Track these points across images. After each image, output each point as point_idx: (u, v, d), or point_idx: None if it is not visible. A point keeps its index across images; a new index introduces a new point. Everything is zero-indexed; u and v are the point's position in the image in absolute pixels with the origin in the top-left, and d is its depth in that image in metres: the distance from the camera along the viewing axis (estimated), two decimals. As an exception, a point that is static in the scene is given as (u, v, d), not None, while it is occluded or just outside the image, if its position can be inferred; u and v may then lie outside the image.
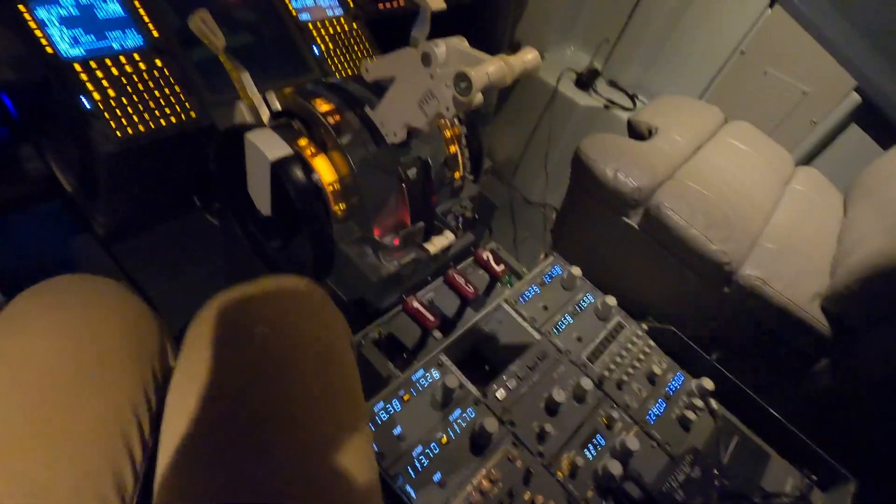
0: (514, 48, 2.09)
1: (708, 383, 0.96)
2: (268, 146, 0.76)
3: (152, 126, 0.92)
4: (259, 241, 0.95)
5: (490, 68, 0.62)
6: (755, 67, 1.72)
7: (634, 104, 1.98)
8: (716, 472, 0.82)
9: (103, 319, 0.49)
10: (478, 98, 0.64)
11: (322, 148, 0.83)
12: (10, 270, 1.06)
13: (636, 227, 1.14)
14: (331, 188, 0.81)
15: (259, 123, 0.87)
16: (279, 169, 0.75)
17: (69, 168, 1.13)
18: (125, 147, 0.90)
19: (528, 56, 0.67)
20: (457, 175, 0.98)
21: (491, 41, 2.07)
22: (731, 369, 0.98)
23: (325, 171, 0.81)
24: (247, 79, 0.89)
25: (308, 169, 0.79)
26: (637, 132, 1.40)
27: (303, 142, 0.82)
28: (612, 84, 2.07)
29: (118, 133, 0.89)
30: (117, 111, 0.90)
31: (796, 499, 0.85)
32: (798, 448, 0.93)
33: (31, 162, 1.19)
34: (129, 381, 0.47)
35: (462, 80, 0.62)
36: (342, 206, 0.84)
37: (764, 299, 1.04)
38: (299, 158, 0.79)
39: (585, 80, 1.96)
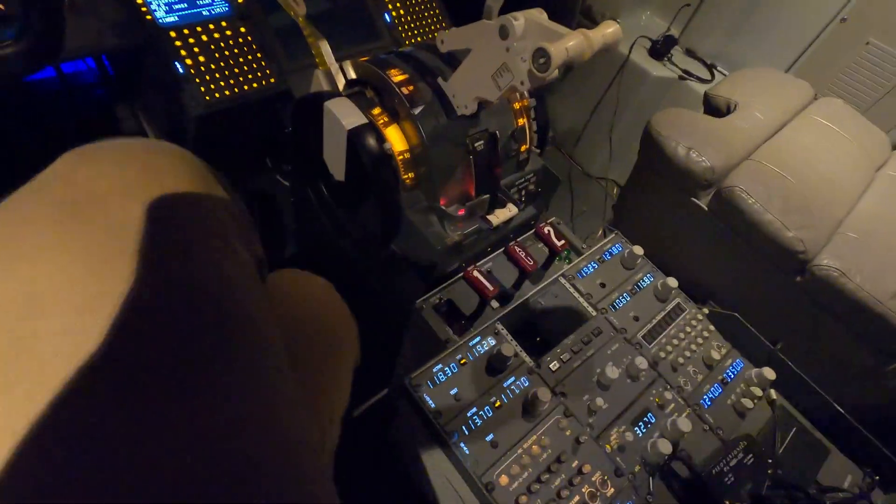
0: (585, 12, 2.00)
1: (769, 373, 0.94)
2: (345, 115, 0.79)
3: (236, 90, 0.98)
4: (329, 204, 1.00)
5: (570, 43, 0.61)
6: (857, 37, 1.57)
7: (713, 76, 1.86)
8: (769, 460, 0.82)
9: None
10: (553, 73, 0.63)
11: (394, 117, 0.86)
12: None
13: (705, 208, 1.10)
14: (401, 157, 0.84)
15: (335, 91, 0.90)
16: (354, 137, 0.79)
17: (160, 127, 1.22)
18: (212, 110, 0.96)
19: (609, 30, 0.65)
20: (523, 148, 0.98)
21: (562, 4, 1.99)
22: (796, 360, 0.95)
23: (396, 140, 0.84)
24: (325, 47, 0.92)
25: (381, 138, 0.82)
26: (714, 107, 1.33)
27: (376, 111, 0.85)
28: (690, 53, 1.94)
29: (206, 97, 0.95)
30: (206, 76, 0.96)
31: (855, 496, 0.83)
32: (861, 445, 0.91)
33: (126, 121, 1.29)
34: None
35: (541, 55, 0.62)
36: (411, 175, 0.87)
37: (841, 292, 0.99)
38: (373, 127, 0.82)
39: (660, 49, 1.86)
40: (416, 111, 0.82)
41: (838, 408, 0.91)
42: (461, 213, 0.88)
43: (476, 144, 0.86)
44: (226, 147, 1.15)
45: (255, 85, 0.99)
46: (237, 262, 0.36)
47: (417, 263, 0.91)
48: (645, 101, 1.83)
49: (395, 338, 0.99)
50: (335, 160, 0.86)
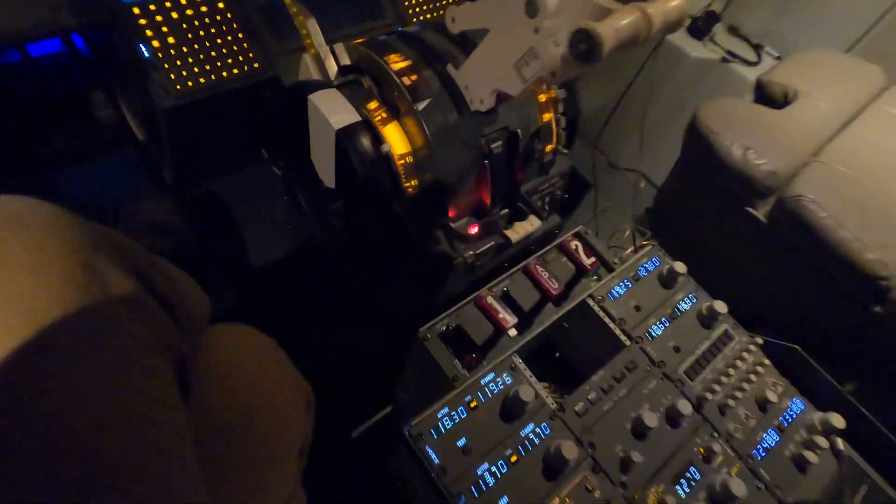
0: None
1: (838, 420, 0.80)
2: (333, 111, 0.65)
3: (213, 77, 0.84)
4: (323, 210, 0.86)
5: (622, 22, 0.46)
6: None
7: (759, 58, 1.66)
8: (842, 535, 0.68)
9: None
10: (599, 61, 0.48)
11: (395, 113, 0.71)
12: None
13: (763, 220, 0.93)
14: (402, 162, 0.70)
15: (325, 79, 0.76)
16: (344, 138, 0.65)
17: (137, 115, 1.09)
18: (185, 101, 0.82)
19: (672, 3, 0.49)
20: (548, 148, 0.83)
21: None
22: (868, 405, 0.80)
23: (396, 141, 0.70)
24: (313, 26, 0.77)
25: (378, 138, 0.68)
26: (768, 96, 1.14)
27: (373, 105, 0.71)
28: (733, 31, 1.74)
29: (178, 86, 0.82)
30: (177, 61, 0.82)
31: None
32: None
33: (102, 109, 1.16)
34: None
35: (583, 39, 0.46)
36: (414, 182, 0.72)
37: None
38: (368, 125, 0.68)
39: (701, 27, 1.66)
40: (420, 106, 0.68)
41: (921, 464, 0.76)
42: (474, 231, 0.74)
43: (493, 146, 0.71)
44: (210, 139, 1.02)
45: (235, 70, 0.85)
46: (126, 384, 0.28)
47: (422, 284, 0.78)
48: (682, 86, 1.64)
49: (398, 353, 0.86)
50: (324, 164, 0.72)
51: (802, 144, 0.96)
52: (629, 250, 1.63)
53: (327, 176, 0.73)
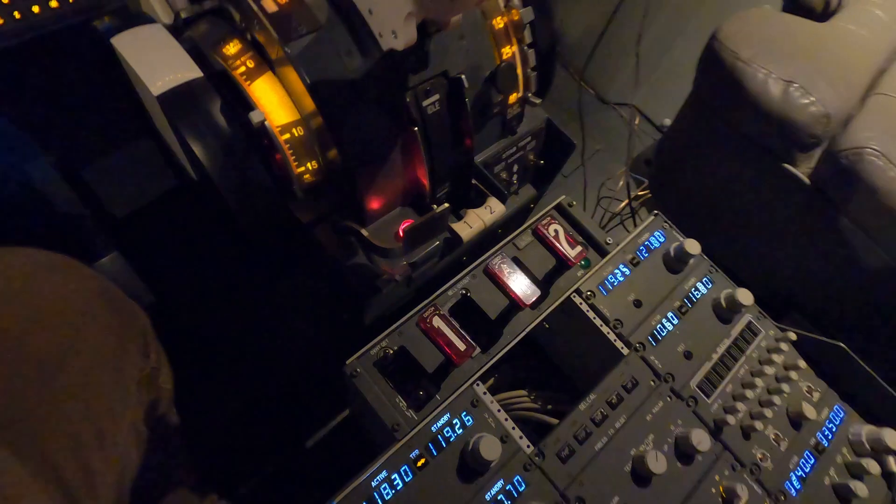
0: None
1: (891, 436, 0.63)
2: (151, 64, 0.40)
3: (17, 17, 0.57)
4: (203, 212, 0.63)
5: None
6: None
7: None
8: None
9: None
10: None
11: (267, 61, 0.46)
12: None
13: (805, 180, 0.70)
14: (286, 137, 0.46)
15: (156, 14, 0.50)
16: (172, 109, 0.41)
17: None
18: None
19: None
20: (512, 98, 0.59)
21: None
22: (929, 413, 0.63)
23: (272, 105, 0.45)
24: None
25: (243, 103, 0.44)
26: (804, 5, 0.87)
27: (231, 48, 0.45)
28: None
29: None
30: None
31: None
32: None
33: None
34: None
35: None
36: (311, 165, 0.49)
37: None
38: (222, 83, 0.43)
39: (709, -81, 1.34)
40: (293, 48, 0.43)
41: None
42: (399, 238, 0.52)
43: (425, 103, 0.47)
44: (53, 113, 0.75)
45: (53, 3, 0.58)
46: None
47: (341, 304, 0.56)
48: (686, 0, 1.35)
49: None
50: (173, 145, 0.48)
51: (858, 72, 0.72)
52: (623, 204, 1.41)
53: (187, 162, 0.50)
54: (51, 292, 0.44)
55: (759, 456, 0.62)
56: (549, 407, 0.75)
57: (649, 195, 1.23)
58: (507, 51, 0.57)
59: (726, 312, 0.70)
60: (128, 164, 0.96)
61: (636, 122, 1.67)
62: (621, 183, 1.42)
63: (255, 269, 0.64)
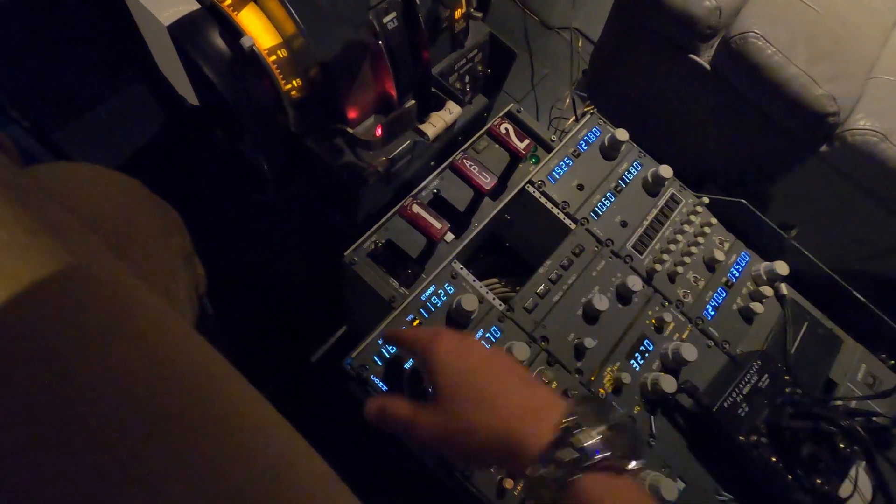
0: None
1: (782, 267, 0.79)
2: (156, 1, 0.48)
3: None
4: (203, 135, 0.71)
5: None
6: None
7: None
8: (786, 377, 0.70)
9: None
10: None
11: (249, -8, 0.54)
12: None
13: (707, 66, 0.84)
14: (273, 58, 0.55)
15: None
16: (182, 37, 0.49)
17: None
18: None
19: None
20: (458, 13, 0.68)
21: None
22: (809, 246, 0.80)
23: (259, 31, 0.54)
24: None
25: (233, 30, 0.52)
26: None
27: (219, -18, 0.53)
28: None
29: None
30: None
31: (870, 388, 0.75)
32: (879, 332, 0.80)
33: None
34: None
35: None
36: (297, 82, 0.58)
37: (878, 160, 0.79)
38: (214, 14, 0.51)
39: None
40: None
41: (857, 295, 0.78)
42: (378, 134, 0.62)
43: (385, 20, 0.57)
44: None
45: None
46: None
47: (333, 205, 0.67)
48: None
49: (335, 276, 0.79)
50: (176, 76, 0.57)
51: (747, -32, 0.84)
52: (570, 120, 1.53)
53: (187, 91, 0.58)
54: (112, 183, 0.48)
55: (682, 294, 0.78)
56: (517, 289, 0.90)
57: (594, 109, 1.35)
58: (450, -28, 0.66)
59: (653, 187, 0.84)
60: (102, 123, 1.02)
61: (579, 43, 1.76)
62: (567, 101, 1.54)
63: (254, 191, 0.73)
